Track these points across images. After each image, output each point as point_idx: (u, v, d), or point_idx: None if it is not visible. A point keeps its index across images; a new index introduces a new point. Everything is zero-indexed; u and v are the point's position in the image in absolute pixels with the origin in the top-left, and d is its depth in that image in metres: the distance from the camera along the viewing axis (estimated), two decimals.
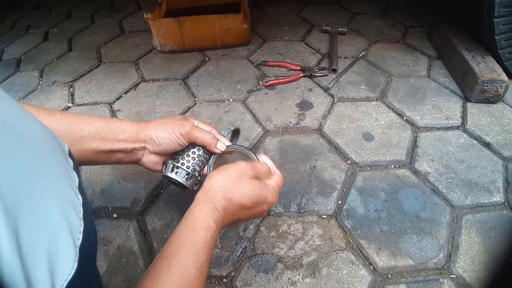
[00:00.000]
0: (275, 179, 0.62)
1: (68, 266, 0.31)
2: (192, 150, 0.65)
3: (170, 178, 0.65)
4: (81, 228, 0.33)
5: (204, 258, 0.49)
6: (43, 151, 0.33)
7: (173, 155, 0.67)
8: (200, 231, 0.51)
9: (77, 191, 0.35)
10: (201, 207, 0.54)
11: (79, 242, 0.32)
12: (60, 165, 0.34)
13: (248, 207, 0.57)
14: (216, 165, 0.66)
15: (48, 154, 0.33)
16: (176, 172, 0.64)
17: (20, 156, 0.29)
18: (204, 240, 0.50)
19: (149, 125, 0.64)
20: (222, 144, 0.66)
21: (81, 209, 0.34)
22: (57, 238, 0.30)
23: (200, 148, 0.66)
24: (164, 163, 0.67)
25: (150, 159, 0.66)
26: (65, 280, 0.30)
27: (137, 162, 0.67)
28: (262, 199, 0.58)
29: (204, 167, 0.67)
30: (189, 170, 0.64)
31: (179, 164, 0.64)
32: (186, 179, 0.64)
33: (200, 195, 0.56)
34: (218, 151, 0.66)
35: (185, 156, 0.65)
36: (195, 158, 0.65)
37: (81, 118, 0.59)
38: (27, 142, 0.31)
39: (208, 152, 0.67)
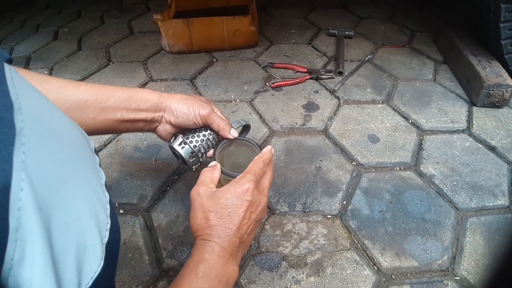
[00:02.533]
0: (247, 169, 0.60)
1: (95, 264, 0.30)
2: (203, 132, 0.68)
3: (175, 150, 0.67)
4: (108, 226, 0.33)
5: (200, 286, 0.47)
6: (73, 147, 0.32)
7: (185, 130, 0.69)
8: (191, 264, 0.50)
9: (105, 188, 0.35)
10: (194, 247, 0.53)
11: (106, 240, 0.32)
12: (89, 162, 0.34)
13: (227, 206, 0.54)
14: (222, 154, 0.69)
15: (78, 151, 0.33)
16: (183, 147, 0.66)
17: (55, 153, 0.29)
18: (196, 272, 0.48)
19: (172, 96, 0.66)
20: (235, 131, 0.68)
21: (108, 206, 0.34)
22: (86, 236, 0.30)
23: (211, 132, 0.69)
24: (174, 135, 0.69)
25: (164, 128, 0.68)
26: (91, 278, 0.30)
27: (154, 130, 0.69)
28: (235, 192, 0.55)
29: (209, 150, 0.70)
30: (195, 150, 0.67)
31: (187, 141, 0.66)
32: (190, 156, 0.67)
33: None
34: (231, 137, 0.68)
35: (195, 135, 0.67)
36: (203, 140, 0.68)
37: (105, 88, 0.61)
38: (60, 140, 0.30)
39: (218, 139, 0.70)
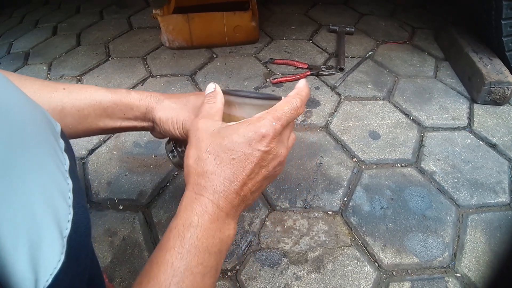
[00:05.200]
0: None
1: (53, 259, 0.27)
2: None
3: (168, 158, 0.64)
4: (70, 217, 0.30)
5: (183, 267, 0.38)
6: (25, 129, 0.29)
7: None
8: (174, 231, 0.40)
9: (67, 175, 0.31)
10: (182, 199, 0.43)
11: (67, 232, 0.29)
12: (47, 146, 0.30)
13: (233, 151, 0.42)
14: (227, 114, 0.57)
15: (32, 133, 0.29)
16: (174, 156, 0.63)
17: None
18: (180, 243, 0.39)
19: (159, 103, 0.57)
20: None
21: (70, 195, 0.31)
22: (39, 228, 0.27)
23: None
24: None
25: (156, 135, 0.63)
26: (50, 275, 0.27)
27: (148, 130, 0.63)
28: (248, 135, 0.42)
29: None
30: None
31: (180, 150, 0.63)
32: (179, 165, 0.63)
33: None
34: None
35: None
36: None
37: (85, 93, 0.54)
38: (7, 122, 0.27)
39: None
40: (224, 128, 0.43)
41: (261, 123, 0.42)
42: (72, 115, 0.52)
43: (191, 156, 0.44)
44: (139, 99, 0.57)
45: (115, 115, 0.55)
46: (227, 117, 0.49)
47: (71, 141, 0.36)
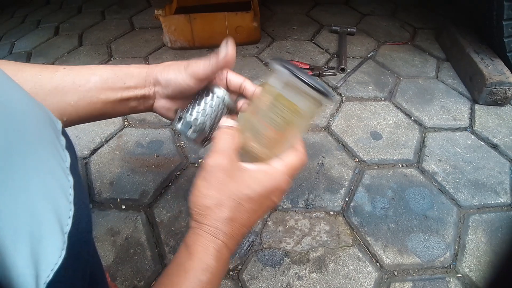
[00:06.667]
0: (289, 158, 0.46)
1: (54, 254, 0.27)
2: (205, 98, 0.51)
3: (176, 129, 0.57)
4: (71, 213, 0.30)
5: None
6: (27, 126, 0.29)
7: (188, 103, 0.55)
8: (193, 273, 0.41)
9: (68, 172, 0.31)
10: (196, 238, 0.43)
11: (68, 228, 0.29)
12: (48, 143, 0.31)
13: (254, 202, 0.43)
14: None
15: (33, 130, 0.29)
16: (182, 123, 0.52)
17: None
18: (199, 284, 0.40)
19: (158, 66, 0.55)
20: (251, 84, 0.53)
21: (71, 191, 0.31)
22: (40, 224, 0.27)
23: (218, 96, 0.51)
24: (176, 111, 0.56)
25: (161, 104, 0.57)
26: (51, 270, 0.27)
27: (151, 108, 0.58)
28: (270, 189, 0.44)
29: (219, 119, 0.52)
30: (196, 123, 0.51)
31: (187, 114, 0.52)
32: (192, 132, 0.52)
33: (192, 222, 0.44)
34: (250, 91, 0.53)
35: (195, 104, 0.52)
36: (205, 109, 0.51)
37: (85, 69, 0.54)
38: (7, 116, 0.27)
39: (230, 101, 0.53)
40: (247, 174, 0.44)
41: (282, 178, 0.44)
42: (73, 91, 0.52)
43: (210, 196, 0.43)
44: (139, 67, 0.56)
45: (115, 85, 0.54)
46: (274, 93, 0.44)
47: (73, 141, 0.37)
